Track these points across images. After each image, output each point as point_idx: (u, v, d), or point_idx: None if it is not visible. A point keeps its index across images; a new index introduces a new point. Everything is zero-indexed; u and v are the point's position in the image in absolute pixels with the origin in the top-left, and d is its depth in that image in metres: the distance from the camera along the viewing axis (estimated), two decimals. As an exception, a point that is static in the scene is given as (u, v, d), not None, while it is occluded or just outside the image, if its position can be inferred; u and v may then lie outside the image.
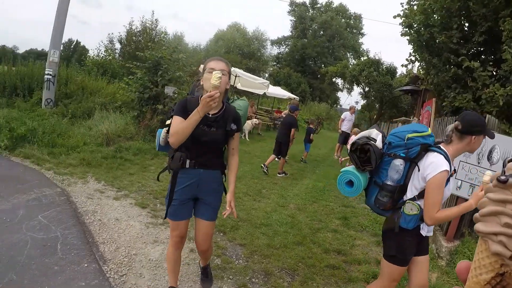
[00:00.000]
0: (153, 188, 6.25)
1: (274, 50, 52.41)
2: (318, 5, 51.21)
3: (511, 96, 5.37)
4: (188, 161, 2.77)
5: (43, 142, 7.64)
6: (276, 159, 9.38)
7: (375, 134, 2.73)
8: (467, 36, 7.10)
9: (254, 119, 14.79)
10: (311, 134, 11.66)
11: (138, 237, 4.36)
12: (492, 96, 5.57)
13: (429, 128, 2.75)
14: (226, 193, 2.97)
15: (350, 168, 2.76)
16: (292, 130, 9.23)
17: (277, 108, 25.11)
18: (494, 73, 6.18)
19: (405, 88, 16.71)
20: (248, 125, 14.19)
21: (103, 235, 4.28)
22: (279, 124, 12.34)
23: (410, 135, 2.58)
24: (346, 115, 13.56)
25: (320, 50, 46.33)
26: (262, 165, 9.01)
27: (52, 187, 5.59)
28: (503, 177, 0.55)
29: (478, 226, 0.58)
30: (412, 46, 8.69)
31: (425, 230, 2.59)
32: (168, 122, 2.88)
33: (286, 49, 51.01)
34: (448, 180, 2.45)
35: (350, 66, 30.05)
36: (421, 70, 11.15)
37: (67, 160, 7.05)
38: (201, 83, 2.77)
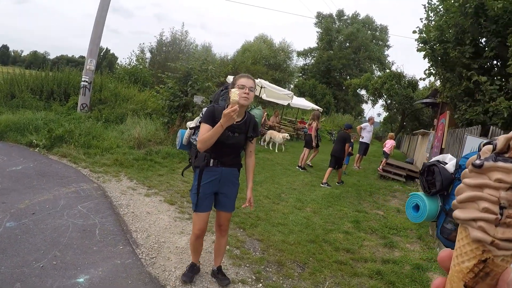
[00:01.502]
0: (180, 188, 6.81)
1: (300, 62, 52.64)
2: (345, 17, 51.38)
3: (515, 109, 5.66)
4: (212, 160, 3.30)
5: (79, 143, 8.31)
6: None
7: (449, 158, 2.63)
8: (479, 51, 7.40)
9: (286, 134, 15.20)
10: (350, 148, 11.87)
11: (166, 228, 4.90)
12: (498, 108, 5.87)
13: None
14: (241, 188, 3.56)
15: (420, 192, 2.67)
16: (347, 144, 10.12)
17: (300, 118, 25.49)
18: (503, 87, 6.44)
19: (424, 101, 16.87)
20: (278, 138, 14.63)
21: (136, 225, 4.84)
22: (303, 134, 12.75)
23: (470, 153, 2.39)
24: (365, 126, 13.84)
25: (346, 62, 46.35)
26: (321, 184, 9.60)
27: (89, 183, 6.20)
28: (478, 161, 0.55)
29: (457, 213, 0.57)
30: (428, 60, 9.02)
31: None
32: (191, 125, 3.49)
33: (312, 61, 51.19)
34: None
35: (374, 78, 30.15)
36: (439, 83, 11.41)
37: (101, 160, 7.68)
38: (230, 95, 3.16)
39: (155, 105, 12.08)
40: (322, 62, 47.35)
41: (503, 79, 6.55)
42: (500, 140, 0.54)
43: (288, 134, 15.36)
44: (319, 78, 45.56)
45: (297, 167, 11.36)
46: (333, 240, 5.43)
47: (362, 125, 13.94)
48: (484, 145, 0.58)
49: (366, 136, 13.55)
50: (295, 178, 9.67)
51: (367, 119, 15.21)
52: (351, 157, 12.40)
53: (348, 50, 47.19)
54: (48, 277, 3.26)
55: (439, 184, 2.44)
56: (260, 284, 3.85)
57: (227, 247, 4.55)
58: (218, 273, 3.72)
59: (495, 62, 7.71)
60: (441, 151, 8.77)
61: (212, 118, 3.15)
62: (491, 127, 5.82)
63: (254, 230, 5.30)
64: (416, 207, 2.61)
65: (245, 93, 3.16)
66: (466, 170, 0.58)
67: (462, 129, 6.91)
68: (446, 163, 2.54)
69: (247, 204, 3.47)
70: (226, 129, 3.11)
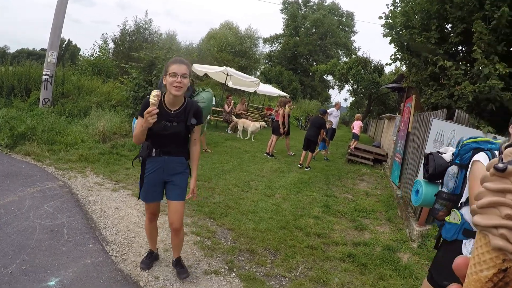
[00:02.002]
0: (148, 180, 6.62)
1: (266, 48, 52.55)
2: (311, 3, 51.47)
3: (480, 92, 5.79)
4: (154, 150, 3.19)
5: (43, 140, 7.94)
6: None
7: (451, 150, 2.69)
8: (445, 37, 7.52)
9: (262, 122, 15.21)
10: (325, 133, 12.06)
11: (136, 222, 4.77)
12: (463, 92, 6.00)
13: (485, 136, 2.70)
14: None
15: (421, 179, 2.79)
16: (322, 130, 10.71)
17: (267, 105, 25.53)
18: (468, 71, 6.58)
19: (390, 85, 17.19)
20: (254, 127, 14.56)
21: (104, 221, 4.69)
22: (270, 121, 12.80)
23: (464, 142, 2.48)
24: (332, 111, 13.97)
25: (312, 48, 46.59)
26: (299, 165, 10.31)
27: (54, 181, 5.95)
28: (501, 165, 0.51)
29: (477, 219, 0.53)
30: (394, 46, 9.12)
31: (468, 249, 2.23)
32: None
33: (278, 47, 51.13)
34: None
35: (340, 64, 30.45)
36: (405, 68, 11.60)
37: (66, 156, 7.38)
38: (164, 83, 3.07)
39: (119, 96, 11.74)
40: (289, 48, 47.36)
41: (468, 64, 6.68)
42: None
43: (264, 123, 15.34)
44: (286, 65, 45.63)
45: (265, 154, 11.36)
46: (304, 225, 5.46)
47: (328, 110, 14.06)
48: (506, 148, 0.55)
49: (332, 121, 13.69)
50: (264, 165, 9.67)
51: (333, 104, 15.38)
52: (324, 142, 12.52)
53: (315, 36, 47.38)
54: (18, 283, 3.11)
55: (431, 169, 2.60)
56: (234, 274, 3.81)
57: (198, 238, 4.51)
58: (176, 265, 3.60)
59: (460, 47, 7.87)
60: (408, 135, 8.95)
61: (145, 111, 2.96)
62: (456, 110, 5.95)
63: (224, 219, 5.25)
64: (417, 192, 2.76)
65: (177, 82, 2.94)
66: (487, 173, 0.54)
67: (427, 113, 7.04)
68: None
69: (190, 195, 3.33)
70: (163, 119, 3.02)
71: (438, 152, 2.70)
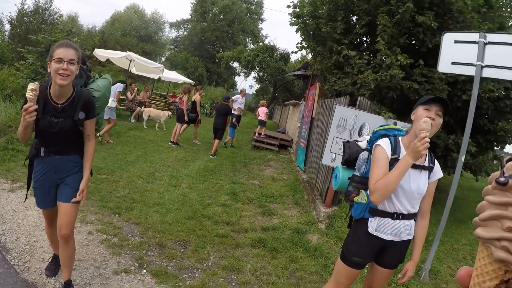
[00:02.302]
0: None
1: (172, 34, 51.39)
2: (220, -12, 51.11)
3: (382, 81, 6.11)
4: (42, 149, 2.77)
5: None
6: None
7: (367, 138, 2.78)
8: (350, 28, 7.81)
9: (169, 112, 14.67)
10: (234, 119, 12.33)
11: (37, 225, 4.24)
12: (365, 81, 6.29)
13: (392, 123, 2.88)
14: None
15: (340, 165, 2.88)
16: (228, 116, 10.90)
17: (172, 92, 24.90)
18: (371, 61, 6.91)
19: (296, 73, 17.71)
20: (164, 116, 13.99)
21: (3, 227, 4.08)
22: (175, 108, 12.58)
23: (375, 129, 2.63)
24: (237, 98, 13.99)
25: (219, 34, 46.31)
26: (211, 155, 10.18)
27: None
28: (502, 179, 0.52)
29: (479, 232, 0.55)
30: (300, 34, 9.32)
31: (373, 226, 2.38)
32: None
33: (185, 33, 50.15)
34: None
35: (247, 51, 30.68)
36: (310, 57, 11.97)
37: (-50, 154, 6.37)
38: (49, 70, 2.59)
39: (14, 84, 10.38)
40: (195, 34, 46.67)
41: (371, 54, 7.02)
42: None
43: (170, 112, 14.87)
44: (192, 51, 44.92)
45: (169, 143, 10.97)
46: (212, 214, 5.35)
47: (233, 97, 14.05)
48: (507, 161, 0.56)
49: (238, 108, 13.72)
50: (168, 155, 9.33)
51: (239, 91, 15.43)
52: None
53: (222, 23, 47.13)
54: None
55: (347, 155, 2.71)
56: (144, 270, 3.58)
57: (104, 236, 4.17)
58: None
59: (364, 38, 8.26)
60: (312, 121, 9.25)
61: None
62: (359, 97, 6.23)
63: (130, 214, 4.92)
64: (336, 177, 2.87)
65: (62, 69, 2.48)
66: (489, 186, 0.56)
67: (331, 100, 7.31)
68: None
69: (78, 198, 2.80)
70: (49, 115, 2.61)
71: (355, 140, 2.81)
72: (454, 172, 4.66)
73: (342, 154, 2.86)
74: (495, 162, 7.97)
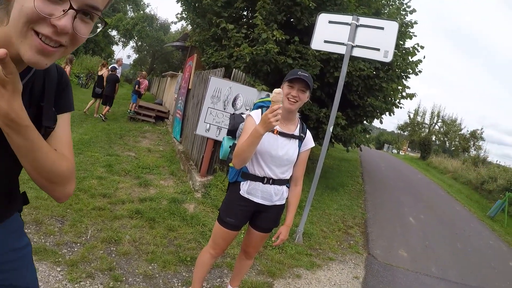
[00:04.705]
0: None
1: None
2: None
3: (257, 54, 6.34)
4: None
5: None
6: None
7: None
8: (231, 2, 7.86)
9: None
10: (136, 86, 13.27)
11: None
12: (241, 54, 6.47)
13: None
14: None
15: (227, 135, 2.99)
16: (117, 84, 11.74)
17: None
18: (249, 35, 7.10)
19: (174, 44, 17.40)
20: None
21: None
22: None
23: (255, 101, 2.79)
24: (113, 67, 13.35)
25: (100, 2, 42.96)
26: (100, 115, 11.21)
27: None
28: None
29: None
30: (181, 5, 9.17)
31: (244, 189, 2.51)
32: None
33: None
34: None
35: (127, 19, 29.13)
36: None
37: None
38: None
39: None
40: (72, 0, 42.69)
41: (250, 28, 7.21)
42: None
43: None
44: (66, 17, 41.07)
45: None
46: (88, 187, 5.11)
47: (109, 67, 13.38)
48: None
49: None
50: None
51: (115, 61, 14.77)
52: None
53: None
54: None
55: (230, 126, 2.87)
56: (22, 250, 3.34)
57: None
58: None
59: (245, 13, 8.41)
60: (188, 92, 9.27)
61: None
62: (234, 70, 6.42)
63: None
64: (222, 146, 2.98)
65: None
66: None
67: (207, 71, 7.40)
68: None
69: None
70: None
71: (241, 113, 2.96)
72: (324, 143, 5.12)
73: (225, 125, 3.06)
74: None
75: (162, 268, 3.45)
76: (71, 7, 0.80)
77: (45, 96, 1.10)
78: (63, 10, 0.80)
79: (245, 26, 7.32)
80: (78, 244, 3.61)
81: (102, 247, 3.60)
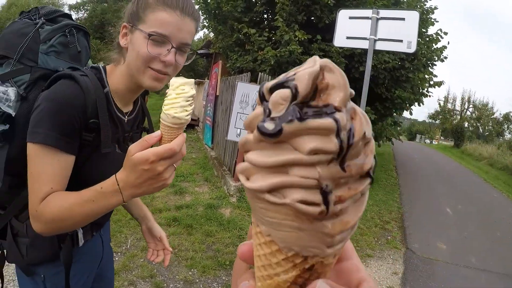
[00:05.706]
0: None
1: (72, 15, 48.06)
2: (121, -34, 48.51)
3: (281, 56, 6.39)
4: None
5: None
6: None
7: None
8: (250, 7, 7.97)
9: None
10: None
11: None
12: (265, 57, 6.53)
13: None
14: None
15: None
16: (146, 97, 11.29)
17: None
18: (272, 38, 7.16)
19: (198, 52, 17.58)
20: None
21: None
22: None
23: None
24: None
25: (122, 15, 44.20)
26: None
27: None
28: (271, 124, 0.30)
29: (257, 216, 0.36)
30: (201, 13, 9.32)
31: None
32: None
33: (85, 15, 47.19)
34: None
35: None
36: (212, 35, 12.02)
37: None
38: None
39: None
40: (96, 16, 44.05)
41: (272, 31, 7.27)
42: (302, 80, 0.31)
43: None
44: (92, 33, 42.18)
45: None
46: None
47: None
48: (271, 90, 0.32)
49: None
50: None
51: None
52: None
53: (123, 3, 44.78)
54: None
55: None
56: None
57: None
58: None
59: (265, 16, 8.49)
60: (216, 98, 9.38)
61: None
62: (260, 73, 6.48)
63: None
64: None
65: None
66: (247, 137, 0.33)
67: (233, 77, 7.49)
68: None
69: None
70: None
71: None
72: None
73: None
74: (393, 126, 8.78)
75: (202, 273, 3.54)
76: (172, 47, 1.12)
77: (148, 119, 1.53)
78: (167, 50, 1.11)
79: (267, 29, 7.39)
80: (119, 254, 3.75)
81: (142, 256, 3.73)
